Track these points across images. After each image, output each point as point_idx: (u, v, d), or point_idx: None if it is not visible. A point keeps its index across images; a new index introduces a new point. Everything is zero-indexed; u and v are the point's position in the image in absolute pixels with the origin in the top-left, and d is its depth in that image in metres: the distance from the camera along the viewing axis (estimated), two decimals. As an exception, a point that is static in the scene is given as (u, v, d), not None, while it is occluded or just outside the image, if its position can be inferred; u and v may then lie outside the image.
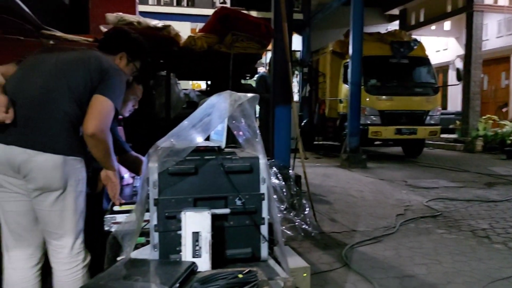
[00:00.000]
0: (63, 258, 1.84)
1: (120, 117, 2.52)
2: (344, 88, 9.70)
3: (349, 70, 8.48)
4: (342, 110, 9.83)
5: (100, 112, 1.79)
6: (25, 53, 1.98)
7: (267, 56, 9.58)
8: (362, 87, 8.68)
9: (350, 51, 8.34)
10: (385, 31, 10.93)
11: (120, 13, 3.21)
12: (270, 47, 4.57)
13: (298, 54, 12.98)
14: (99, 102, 1.80)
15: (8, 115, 1.67)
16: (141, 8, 5.38)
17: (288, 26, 4.34)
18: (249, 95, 1.55)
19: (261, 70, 7.83)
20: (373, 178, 7.09)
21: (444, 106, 16.15)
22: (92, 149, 1.82)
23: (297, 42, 12.24)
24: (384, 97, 9.25)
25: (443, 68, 17.29)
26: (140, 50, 2.18)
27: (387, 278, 2.99)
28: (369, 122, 9.08)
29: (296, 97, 11.60)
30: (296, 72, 12.43)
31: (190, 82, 10.41)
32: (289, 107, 4.69)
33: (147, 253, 1.50)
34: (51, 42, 2.85)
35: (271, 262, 1.53)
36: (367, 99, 9.05)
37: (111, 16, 3.14)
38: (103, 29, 3.17)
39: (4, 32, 2.71)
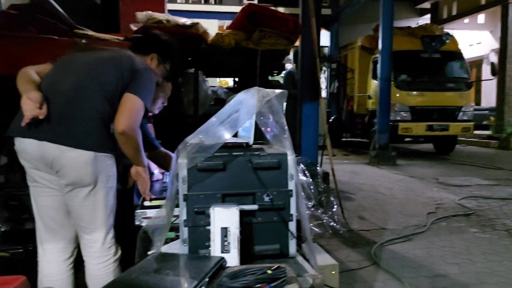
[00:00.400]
0: (95, 252, 1.89)
1: (150, 114, 2.57)
2: (373, 84, 9.55)
3: (378, 66, 8.34)
4: (371, 106, 9.68)
5: (130, 110, 1.83)
6: (58, 52, 2.04)
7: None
8: (392, 82, 8.51)
9: (380, 46, 8.20)
10: (416, 25, 10.67)
11: (150, 12, 3.25)
12: (297, 43, 4.54)
13: (326, 50, 12.84)
14: (129, 101, 1.84)
15: (41, 111, 1.71)
16: (169, 6, 5.45)
17: (316, 22, 4.30)
18: (277, 91, 1.55)
19: (289, 66, 7.79)
20: (403, 175, 6.95)
21: (478, 102, 15.66)
22: (123, 146, 1.86)
23: (325, 38, 12.10)
24: (414, 92, 9.06)
25: (477, 63, 16.75)
26: (171, 52, 2.23)
27: (418, 278, 2.93)
28: (399, 118, 8.91)
29: (324, 94, 11.51)
30: (324, 68, 12.31)
31: (218, 79, 10.47)
32: (317, 104, 4.65)
33: (177, 247, 1.52)
34: (84, 41, 2.92)
35: (300, 259, 1.53)
36: (397, 95, 8.88)
37: (141, 15, 3.19)
38: (133, 27, 3.23)
39: (39, 32, 2.79)
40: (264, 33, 3.49)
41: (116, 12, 3.94)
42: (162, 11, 4.00)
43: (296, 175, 1.53)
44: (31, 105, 1.69)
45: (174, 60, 2.26)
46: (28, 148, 1.78)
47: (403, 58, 9.07)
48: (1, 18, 2.86)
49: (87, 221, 1.87)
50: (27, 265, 2.09)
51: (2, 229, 2.62)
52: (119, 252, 1.97)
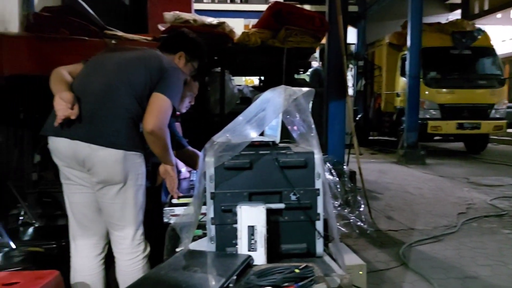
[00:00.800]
0: (125, 248, 1.93)
1: (178, 113, 2.60)
2: (402, 81, 9.37)
3: (407, 63, 8.18)
4: (399, 104, 9.51)
5: (159, 110, 1.85)
6: (89, 53, 2.09)
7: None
8: (421, 80, 8.34)
9: (408, 43, 8.04)
10: (446, 21, 10.40)
11: (177, 12, 3.30)
12: (324, 40, 4.50)
13: (353, 47, 12.69)
14: (158, 100, 1.86)
15: (73, 111, 1.76)
16: (196, 6, 5.50)
17: (343, 19, 4.25)
18: (304, 89, 1.55)
19: (315, 64, 7.74)
20: (432, 175, 6.80)
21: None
22: (151, 145, 1.89)
23: (352, 35, 11.96)
24: (444, 90, 8.84)
25: (510, 59, 16.19)
26: (198, 51, 2.24)
27: (448, 279, 2.86)
28: (428, 116, 8.72)
29: (350, 91, 11.37)
30: (351, 66, 12.16)
31: (243, 78, 10.50)
32: (343, 102, 4.61)
33: (204, 245, 1.54)
34: (113, 41, 2.98)
35: (327, 258, 1.52)
36: (426, 92, 8.69)
37: (169, 15, 3.23)
38: (161, 28, 3.27)
39: (71, 33, 2.87)
40: (290, 31, 3.48)
41: (144, 13, 4.00)
42: (189, 11, 4.04)
43: (323, 174, 1.52)
44: (63, 105, 1.73)
45: (202, 58, 2.27)
46: (61, 147, 1.84)
47: (432, 55, 8.87)
48: (35, 20, 2.95)
49: (117, 218, 1.91)
50: (61, 260, 2.14)
51: (37, 225, 2.72)
52: (148, 249, 2.01)
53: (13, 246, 2.27)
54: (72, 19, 2.94)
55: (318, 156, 1.52)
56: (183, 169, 2.72)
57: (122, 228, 1.92)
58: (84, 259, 1.97)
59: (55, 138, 1.84)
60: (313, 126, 1.54)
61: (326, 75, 4.84)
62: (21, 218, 2.73)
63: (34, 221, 2.71)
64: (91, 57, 2.04)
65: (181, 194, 2.12)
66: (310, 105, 1.65)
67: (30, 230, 2.65)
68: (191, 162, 2.42)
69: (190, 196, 1.97)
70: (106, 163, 1.81)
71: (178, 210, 2.10)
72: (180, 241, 1.60)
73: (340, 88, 4.54)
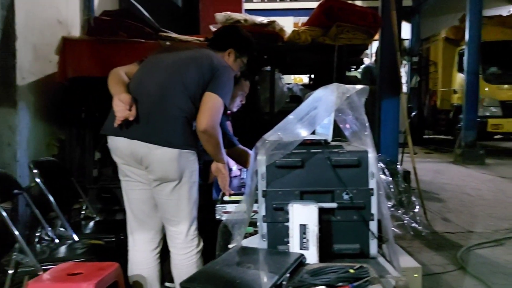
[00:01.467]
0: (180, 243, 1.99)
1: (229, 112, 2.64)
2: (459, 78, 8.96)
3: (465, 58, 7.80)
4: (457, 101, 9.10)
5: (211, 109, 1.89)
6: (145, 55, 2.17)
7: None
8: (480, 76, 7.92)
9: (467, 37, 7.66)
10: (508, 14, 9.81)
11: (228, 12, 3.35)
12: (377, 36, 4.40)
13: (406, 43, 12.27)
14: (210, 100, 1.91)
15: (131, 113, 1.83)
16: (246, 5, 5.54)
17: (397, 14, 4.13)
18: (358, 87, 1.52)
19: (367, 61, 7.57)
20: (492, 175, 6.45)
21: None
22: (204, 143, 1.94)
23: (406, 30, 11.56)
24: (506, 86, 8.37)
25: None
26: (247, 46, 2.25)
27: (510, 285, 2.71)
28: (488, 114, 8.28)
29: (404, 89, 11.00)
30: (404, 62, 11.76)
31: (292, 76, 10.47)
32: (397, 99, 4.48)
33: (256, 242, 1.55)
34: (168, 43, 3.08)
35: (381, 259, 1.48)
36: (486, 89, 8.27)
37: (220, 16, 3.29)
38: (213, 28, 3.34)
39: (128, 36, 3.00)
40: (341, 28, 3.44)
41: (196, 14, 4.10)
42: (240, 11, 4.09)
43: (377, 174, 1.48)
44: (121, 107, 1.81)
45: (251, 53, 2.28)
46: (120, 146, 1.92)
47: (492, 49, 8.40)
48: (95, 24, 3.11)
49: (172, 214, 1.97)
50: (119, 253, 2.25)
51: (97, 219, 2.86)
52: (201, 244, 2.06)
53: (76, 238, 2.41)
54: (129, 22, 3.07)
55: (372, 155, 1.48)
56: (234, 167, 2.75)
57: (177, 223, 1.98)
58: (141, 253, 2.05)
59: (115, 137, 1.93)
60: (367, 124, 1.51)
61: (379, 72, 4.72)
62: (83, 212, 2.89)
63: (94, 216, 2.85)
64: (146, 57, 2.12)
65: (232, 192, 2.15)
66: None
67: (91, 224, 2.79)
68: (242, 160, 2.45)
69: (241, 194, 2.00)
70: (163, 161, 1.87)
71: (230, 207, 2.13)
72: (232, 237, 1.63)
73: (394, 85, 4.42)
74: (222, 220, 1.93)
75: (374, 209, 1.49)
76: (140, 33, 3.04)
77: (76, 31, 3.84)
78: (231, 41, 2.20)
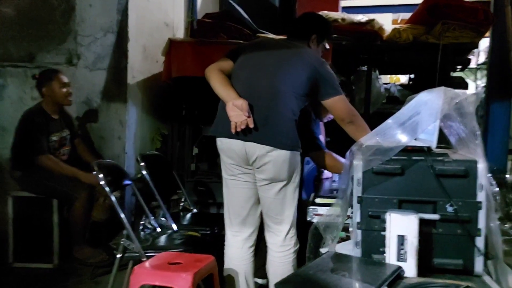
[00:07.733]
0: (279, 241, 2.05)
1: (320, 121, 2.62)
2: None
3: None
4: None
5: (343, 110, 2.04)
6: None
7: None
8: None
9: None
10: None
11: (325, 11, 3.32)
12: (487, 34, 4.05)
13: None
14: (336, 104, 2.03)
15: (250, 119, 1.87)
16: (343, 3, 5.43)
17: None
18: (469, 92, 1.41)
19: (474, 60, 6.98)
20: None
21: None
22: (355, 134, 2.00)
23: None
24: None
25: None
26: (327, 29, 2.28)
27: None
28: None
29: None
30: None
31: (388, 76, 10.01)
32: (508, 103, 4.07)
33: (349, 248, 1.51)
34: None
35: (487, 278, 1.37)
36: None
37: (317, 15, 3.26)
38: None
39: (228, 37, 3.11)
40: (447, 25, 3.22)
41: (293, 14, 4.12)
42: (336, 9, 4.03)
43: (488, 186, 1.37)
44: (239, 112, 1.86)
45: (331, 35, 2.36)
46: (234, 148, 1.97)
47: None
48: (198, 26, 3.27)
49: (276, 212, 2.03)
50: (213, 245, 2.35)
51: (194, 211, 3.02)
52: (298, 245, 2.10)
53: (175, 228, 2.57)
54: (229, 24, 3.17)
55: (482, 166, 1.37)
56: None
57: (280, 222, 2.04)
58: (239, 250, 2.12)
59: (229, 139, 1.97)
60: (478, 132, 1.40)
61: (488, 73, 4.33)
62: (181, 204, 3.06)
63: (192, 207, 3.01)
64: (232, 52, 2.15)
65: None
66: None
67: (188, 215, 2.94)
68: (324, 164, 2.40)
69: (333, 197, 1.97)
70: (277, 163, 1.93)
71: (321, 210, 2.12)
72: (323, 241, 1.61)
73: (505, 87, 4.02)
74: (313, 222, 1.93)
75: (481, 224, 1.38)
76: (239, 34, 3.13)
77: (180, 33, 4.08)
78: (313, 27, 2.20)
